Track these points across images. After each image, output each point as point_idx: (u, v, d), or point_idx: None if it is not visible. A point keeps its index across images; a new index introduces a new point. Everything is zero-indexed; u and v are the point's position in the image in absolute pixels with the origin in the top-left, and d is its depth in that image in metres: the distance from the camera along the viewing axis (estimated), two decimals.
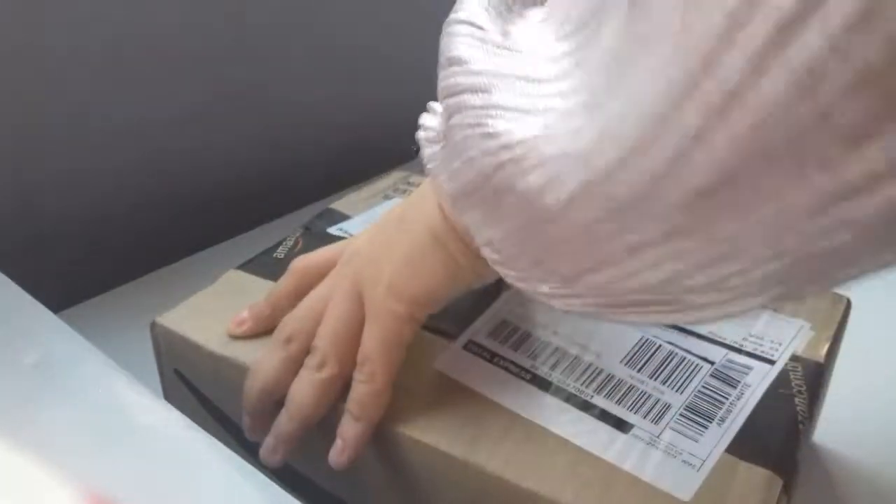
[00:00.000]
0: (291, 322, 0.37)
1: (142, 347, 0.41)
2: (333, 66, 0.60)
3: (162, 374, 0.42)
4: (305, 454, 0.36)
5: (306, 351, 0.36)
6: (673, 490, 0.31)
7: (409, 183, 0.52)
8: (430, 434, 0.33)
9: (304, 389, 0.35)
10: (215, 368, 0.38)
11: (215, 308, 0.40)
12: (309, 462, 0.38)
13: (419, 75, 0.50)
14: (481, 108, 0.26)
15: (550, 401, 0.35)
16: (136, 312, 0.43)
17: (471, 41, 0.27)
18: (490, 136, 0.25)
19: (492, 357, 0.37)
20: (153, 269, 0.55)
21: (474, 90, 0.26)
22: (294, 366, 0.36)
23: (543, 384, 0.35)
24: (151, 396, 0.35)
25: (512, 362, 0.36)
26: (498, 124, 0.25)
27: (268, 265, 0.44)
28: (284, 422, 0.36)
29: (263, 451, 0.36)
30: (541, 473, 0.31)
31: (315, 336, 0.36)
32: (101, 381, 0.34)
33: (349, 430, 0.34)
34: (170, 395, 0.42)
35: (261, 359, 0.37)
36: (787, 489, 0.32)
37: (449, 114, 0.27)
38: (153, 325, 0.40)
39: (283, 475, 0.37)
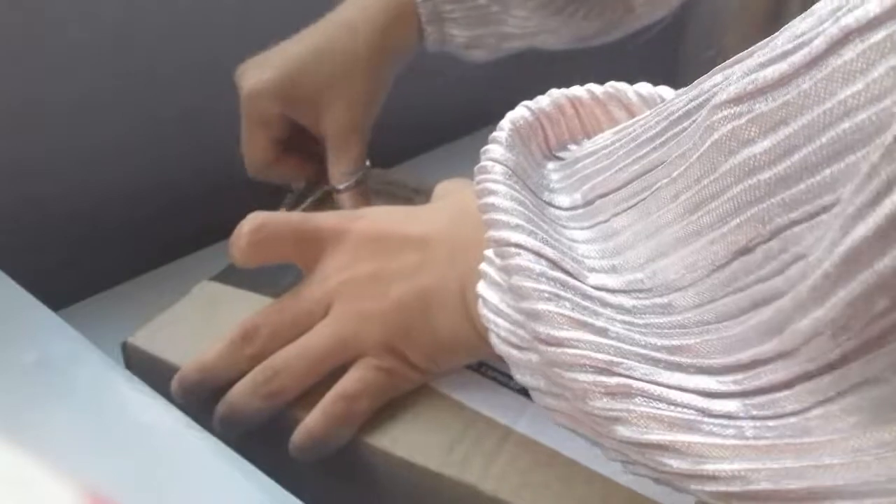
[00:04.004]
0: (263, 323, 0.35)
1: None
2: None
3: None
4: (290, 472, 0.35)
5: (262, 358, 0.34)
6: (671, 502, 0.30)
7: (387, 183, 0.51)
8: (420, 454, 0.32)
9: (247, 400, 0.34)
10: None
11: (189, 323, 0.38)
12: (294, 479, 0.37)
13: (401, 78, 0.50)
14: (619, 394, 0.22)
15: (541, 412, 0.34)
16: (137, 311, 0.42)
17: (548, 288, 0.23)
18: (652, 445, 0.21)
19: (479, 366, 0.36)
20: (153, 267, 0.55)
21: (602, 370, 0.22)
22: (243, 366, 0.34)
23: None
24: (151, 395, 0.35)
25: (502, 373, 0.35)
26: (663, 434, 0.21)
27: (242, 274, 0.39)
28: (218, 424, 0.34)
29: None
30: (536, 491, 0.31)
31: (278, 353, 0.34)
32: (100, 380, 0.34)
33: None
34: None
35: (212, 352, 0.35)
36: None
37: (574, 389, 0.23)
38: (124, 346, 0.38)
39: None
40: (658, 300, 0.23)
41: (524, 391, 0.34)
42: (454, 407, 0.34)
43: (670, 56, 0.55)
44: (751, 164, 0.21)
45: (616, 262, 0.24)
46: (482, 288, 0.27)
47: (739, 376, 0.21)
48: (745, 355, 0.21)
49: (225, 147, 0.57)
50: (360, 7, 0.46)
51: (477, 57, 0.49)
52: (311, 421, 0.33)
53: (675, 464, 0.21)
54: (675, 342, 0.23)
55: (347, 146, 0.46)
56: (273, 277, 0.39)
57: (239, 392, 0.34)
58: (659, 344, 0.23)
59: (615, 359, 0.22)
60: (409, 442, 0.33)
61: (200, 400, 0.35)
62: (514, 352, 0.26)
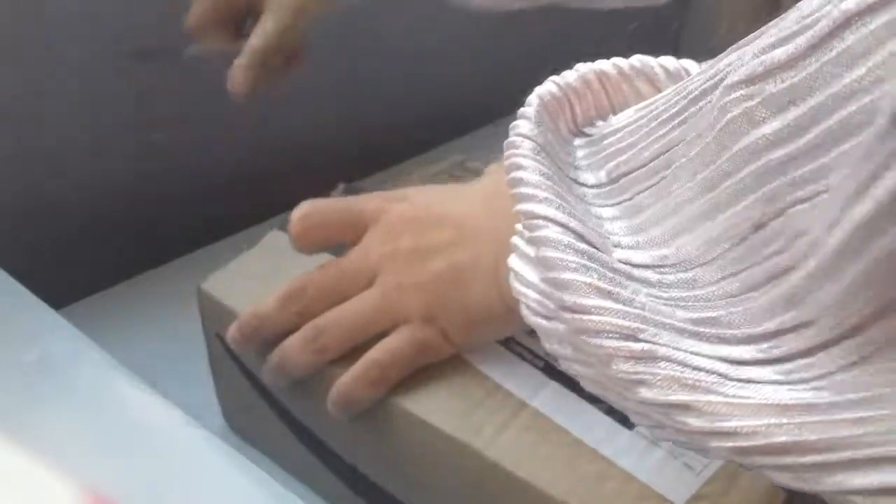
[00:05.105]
0: (308, 283, 0.37)
1: (142, 345, 0.41)
2: (341, 54, 0.59)
3: (207, 340, 0.42)
4: (321, 415, 0.37)
5: (308, 315, 0.36)
6: (667, 492, 0.30)
7: (465, 169, 0.49)
8: (437, 415, 0.34)
9: (297, 354, 0.36)
10: None
11: (256, 271, 0.40)
12: (322, 424, 0.38)
13: (407, 76, 0.50)
14: (644, 358, 0.22)
15: (559, 390, 0.34)
16: (137, 309, 0.43)
17: (575, 259, 0.24)
18: (674, 405, 0.22)
19: (506, 340, 0.36)
20: (154, 265, 0.55)
21: (628, 336, 0.23)
22: (291, 322, 0.37)
23: (554, 373, 0.35)
24: (151, 394, 0.35)
25: (527, 349, 0.36)
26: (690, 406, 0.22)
27: None
28: (269, 372, 0.37)
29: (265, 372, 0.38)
30: (537, 464, 0.32)
31: (325, 314, 0.36)
32: (101, 379, 0.35)
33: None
34: (214, 362, 0.42)
35: (265, 305, 0.37)
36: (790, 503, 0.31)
37: (599, 355, 0.23)
38: (199, 291, 0.40)
39: (301, 437, 0.39)
40: (682, 275, 0.24)
41: (547, 368, 0.35)
42: (477, 376, 0.35)
43: (671, 45, 0.55)
44: (762, 144, 0.22)
45: (641, 238, 0.25)
46: (513, 261, 0.27)
47: (764, 345, 0.22)
48: (771, 324, 0.22)
49: (225, 146, 0.57)
50: None
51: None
52: (346, 382, 0.35)
53: (695, 422, 0.22)
54: (701, 314, 0.23)
55: (281, 11, 0.47)
56: None
57: (290, 345, 0.36)
58: (685, 316, 0.23)
59: (641, 326, 0.23)
60: (429, 404, 0.35)
61: (254, 348, 0.38)
62: (543, 321, 0.26)
